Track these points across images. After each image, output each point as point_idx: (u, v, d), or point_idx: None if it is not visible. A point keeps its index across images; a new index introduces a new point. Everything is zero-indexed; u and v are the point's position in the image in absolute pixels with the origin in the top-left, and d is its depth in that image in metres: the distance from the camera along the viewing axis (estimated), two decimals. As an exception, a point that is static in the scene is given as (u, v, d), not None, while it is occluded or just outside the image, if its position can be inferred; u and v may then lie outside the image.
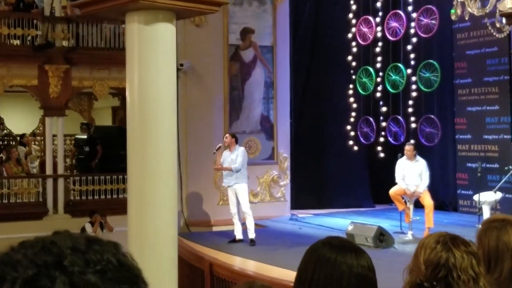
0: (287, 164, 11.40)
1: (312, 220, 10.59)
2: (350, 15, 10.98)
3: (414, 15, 10.04)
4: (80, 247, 0.74)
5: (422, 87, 10.10)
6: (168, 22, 6.27)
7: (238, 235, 8.78)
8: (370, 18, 10.63)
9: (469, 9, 7.80)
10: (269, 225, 10.31)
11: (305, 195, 11.64)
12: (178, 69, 10.45)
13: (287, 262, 6.81)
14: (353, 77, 11.04)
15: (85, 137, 13.20)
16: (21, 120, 15.28)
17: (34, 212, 11.06)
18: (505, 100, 10.59)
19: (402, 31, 10.15)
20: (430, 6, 9.84)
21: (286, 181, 11.38)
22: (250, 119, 11.06)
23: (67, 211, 11.48)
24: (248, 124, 11.03)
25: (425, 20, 9.87)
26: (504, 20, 8.32)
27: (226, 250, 8.41)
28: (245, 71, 11.05)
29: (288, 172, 11.41)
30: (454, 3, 7.69)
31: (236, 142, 8.90)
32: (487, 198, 8.87)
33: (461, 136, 11.41)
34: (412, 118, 10.22)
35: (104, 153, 12.65)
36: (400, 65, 10.29)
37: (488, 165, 10.56)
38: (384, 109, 10.60)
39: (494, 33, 8.96)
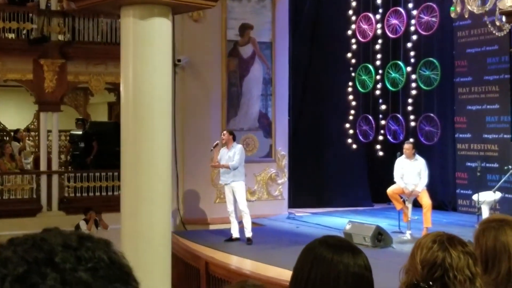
0: (285, 162, 11.34)
1: (310, 219, 10.55)
2: (350, 12, 10.89)
3: (414, 12, 9.97)
4: (71, 244, 0.73)
5: (422, 85, 10.04)
6: (164, 17, 6.22)
7: (235, 233, 8.72)
8: (370, 15, 10.56)
9: (469, 7, 7.75)
10: (266, 223, 10.26)
11: (303, 193, 11.59)
12: (175, 65, 10.43)
13: (284, 261, 6.76)
14: (353, 74, 10.97)
15: (80, 133, 13.13)
16: (15, 115, 15.18)
17: (28, 209, 10.98)
18: (506, 99, 10.53)
19: (402, 29, 10.08)
20: (430, 3, 9.78)
21: (284, 179, 11.32)
22: (248, 116, 10.99)
23: (61, 208, 11.39)
24: (246, 121, 10.96)
25: (426, 18, 9.80)
26: (504, 19, 8.26)
27: (223, 249, 8.35)
28: (243, 67, 10.98)
29: (286, 170, 11.35)
30: (454, 0, 7.62)
31: (234, 139, 8.82)
32: (486, 198, 8.84)
33: (460, 135, 11.36)
34: (412, 117, 10.17)
35: (99, 149, 12.57)
36: (400, 62, 10.23)
37: (487, 165, 10.50)
38: (383, 107, 10.53)
39: (494, 32, 8.91)
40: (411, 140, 9.22)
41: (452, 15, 8.04)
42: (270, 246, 8.40)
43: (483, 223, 2.21)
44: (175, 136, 10.36)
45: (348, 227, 8.32)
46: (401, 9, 10.16)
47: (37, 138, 13.02)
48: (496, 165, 10.48)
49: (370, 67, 10.64)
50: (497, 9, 7.98)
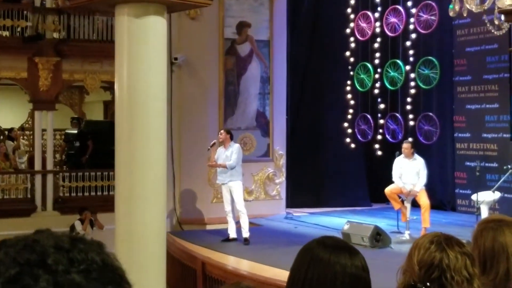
0: (282, 161, 11.28)
1: (308, 219, 10.52)
2: (349, 10, 10.84)
3: (413, 10, 9.94)
4: (63, 246, 0.72)
5: (420, 84, 10.00)
6: (159, 15, 6.22)
7: (232, 233, 8.67)
8: (369, 13, 10.51)
9: (468, 6, 7.69)
10: (263, 223, 10.20)
11: (300, 193, 11.54)
12: (172, 63, 10.35)
13: (281, 261, 6.71)
14: (351, 73, 10.91)
15: (76, 132, 13.06)
16: (9, 114, 15.10)
17: (22, 209, 10.91)
18: (505, 98, 10.47)
19: (401, 27, 10.04)
20: (429, 1, 9.72)
21: (281, 179, 11.26)
22: (245, 115, 10.92)
23: (56, 208, 11.32)
24: (244, 120, 10.90)
25: (425, 16, 9.75)
26: (503, 17, 8.21)
27: (220, 249, 8.29)
28: (241, 65, 10.91)
29: (284, 170, 11.29)
30: (453, -1, 7.57)
31: (231, 138, 8.77)
32: (486, 198, 8.79)
33: (460, 135, 11.30)
34: (411, 116, 10.15)
35: (95, 148, 12.49)
36: (398, 61, 10.19)
37: (487, 164, 10.45)
38: (382, 106, 10.49)
39: (493, 31, 8.86)
40: (410, 139, 9.22)
41: (451, 13, 7.99)
42: (268, 246, 8.35)
43: (481, 224, 2.19)
44: (171, 135, 10.28)
45: (346, 227, 8.29)
46: (400, 7, 10.11)
47: (31, 137, 12.93)
48: (495, 164, 10.42)
49: (369, 65, 10.59)
50: (496, 8, 7.94)
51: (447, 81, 11.01)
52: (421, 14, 9.80)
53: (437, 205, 10.77)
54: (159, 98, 6.24)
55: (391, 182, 8.75)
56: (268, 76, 11.09)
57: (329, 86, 11.63)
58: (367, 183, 11.97)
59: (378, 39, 10.48)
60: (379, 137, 10.49)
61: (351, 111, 11.08)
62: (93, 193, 11.48)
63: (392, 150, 9.57)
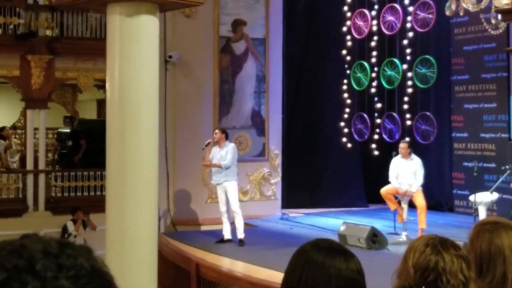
0: (278, 161, 11.19)
1: (304, 219, 10.45)
2: (345, 8, 10.76)
3: (410, 8, 9.89)
4: (52, 251, 0.72)
5: (418, 83, 9.93)
6: (151, 14, 6.22)
7: (227, 234, 8.60)
8: (366, 11, 10.44)
9: (464, 5, 7.61)
10: (259, 224, 10.15)
11: (296, 193, 11.47)
12: (166, 61, 10.23)
13: (277, 263, 6.64)
14: (348, 72, 10.83)
15: (68, 130, 12.97)
16: (1, 112, 15.02)
17: (14, 209, 10.81)
18: (503, 97, 10.40)
19: (398, 25, 9.97)
20: (427, 0, 9.61)
21: (277, 179, 11.17)
22: (240, 114, 10.83)
23: (48, 208, 11.22)
24: (239, 119, 10.81)
25: (422, 14, 9.69)
26: (499, 17, 8.14)
27: (214, 251, 8.23)
28: (236, 63, 10.82)
29: (279, 170, 11.21)
30: (449, -1, 7.50)
31: (226, 138, 8.70)
32: (483, 199, 8.75)
33: (457, 134, 11.23)
34: (408, 115, 10.09)
35: (88, 147, 12.38)
36: (395, 60, 10.13)
37: (485, 165, 10.37)
38: (378, 105, 10.42)
39: (490, 30, 8.80)
40: (407, 139, 9.21)
41: (447, 12, 7.94)
42: (263, 247, 8.30)
43: (477, 226, 2.18)
44: (165, 134, 10.18)
45: (342, 228, 8.24)
46: (397, 6, 10.05)
47: (23, 136, 12.81)
48: (493, 165, 10.35)
49: (366, 64, 10.52)
50: (493, 7, 7.87)
51: (444, 80, 10.96)
52: (418, 12, 9.73)
53: (434, 206, 10.71)
54: (151, 98, 6.24)
55: (388, 182, 8.73)
56: (263, 75, 11.01)
57: (325, 84, 11.56)
58: (364, 184, 11.91)
59: (375, 38, 10.41)
60: (376, 136, 10.43)
61: (347, 110, 11.00)
62: (86, 193, 11.40)
63: (389, 150, 9.53)
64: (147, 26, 6.17)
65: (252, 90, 10.94)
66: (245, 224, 8.75)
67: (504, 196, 9.50)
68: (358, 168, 11.90)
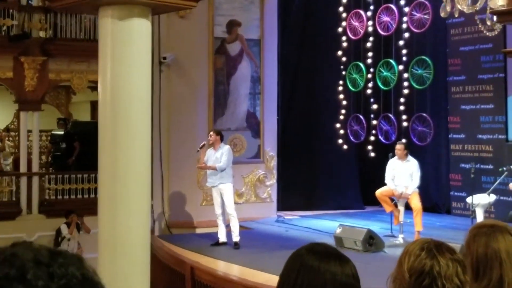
0: (273, 163, 11.13)
1: (299, 222, 10.38)
2: (341, 9, 10.70)
3: (406, 9, 9.84)
4: (43, 260, 0.71)
5: (414, 84, 9.88)
6: (144, 18, 6.21)
7: (222, 237, 8.54)
8: (361, 12, 10.38)
9: (459, 6, 7.56)
10: (254, 227, 10.08)
11: (292, 195, 11.39)
12: (161, 63, 10.16)
13: (272, 266, 6.60)
14: (343, 73, 10.77)
15: (62, 133, 12.92)
16: (-6, 115, 14.85)
17: (7, 212, 10.74)
18: (500, 98, 10.35)
19: (394, 26, 9.92)
20: (423, 0, 9.57)
21: (272, 181, 11.10)
22: (235, 116, 10.76)
23: (41, 211, 11.18)
24: (234, 121, 10.74)
25: (418, 15, 9.64)
26: (495, 18, 8.09)
27: (209, 254, 8.17)
28: (231, 65, 10.75)
29: (275, 172, 11.14)
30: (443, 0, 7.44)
31: (221, 139, 8.65)
32: (481, 201, 8.70)
33: (454, 136, 11.17)
34: (404, 116, 10.03)
35: (81, 150, 12.33)
36: (391, 61, 10.08)
37: (482, 166, 10.31)
38: (375, 106, 10.35)
39: (485, 31, 8.75)
40: (403, 140, 9.19)
41: (442, 14, 7.88)
42: (258, 250, 8.24)
43: (473, 229, 2.15)
44: (160, 135, 10.10)
45: (338, 230, 8.18)
46: (392, 6, 10.00)
47: (17, 138, 12.77)
48: (490, 166, 10.30)
49: (361, 65, 10.46)
50: (488, 8, 7.82)
51: (441, 81, 10.92)
52: (414, 13, 9.68)
53: (431, 207, 10.66)
54: (143, 101, 6.22)
55: (385, 184, 8.66)
56: (258, 76, 10.95)
57: (321, 86, 11.51)
58: (360, 185, 11.85)
59: (371, 38, 10.36)
60: (372, 138, 10.37)
61: (343, 111, 10.93)
62: (79, 196, 11.38)
63: (385, 152, 9.50)
64: (139, 29, 6.16)
65: (247, 91, 10.88)
66: (241, 226, 8.68)
67: (501, 198, 9.44)
68: (354, 170, 11.84)
